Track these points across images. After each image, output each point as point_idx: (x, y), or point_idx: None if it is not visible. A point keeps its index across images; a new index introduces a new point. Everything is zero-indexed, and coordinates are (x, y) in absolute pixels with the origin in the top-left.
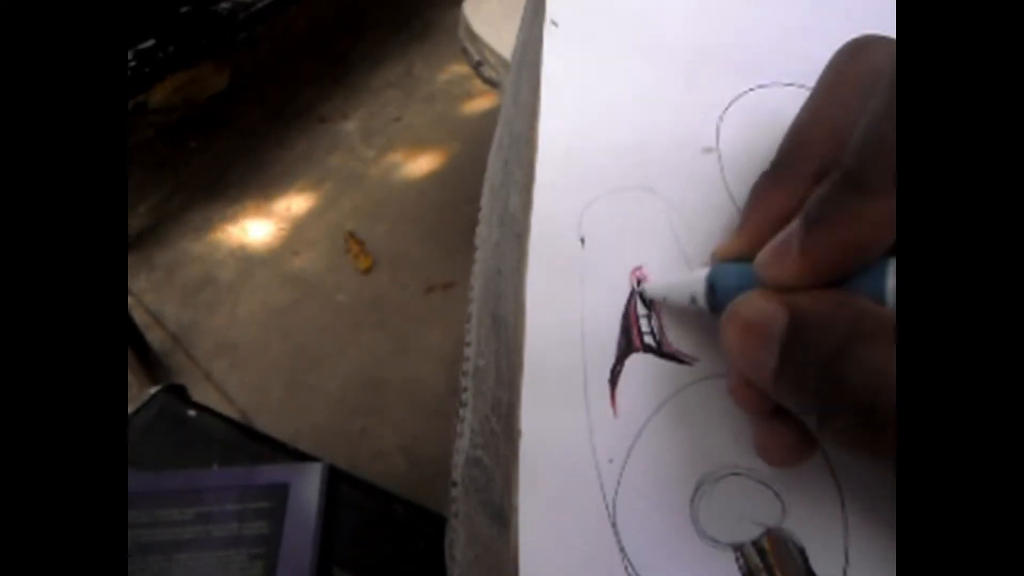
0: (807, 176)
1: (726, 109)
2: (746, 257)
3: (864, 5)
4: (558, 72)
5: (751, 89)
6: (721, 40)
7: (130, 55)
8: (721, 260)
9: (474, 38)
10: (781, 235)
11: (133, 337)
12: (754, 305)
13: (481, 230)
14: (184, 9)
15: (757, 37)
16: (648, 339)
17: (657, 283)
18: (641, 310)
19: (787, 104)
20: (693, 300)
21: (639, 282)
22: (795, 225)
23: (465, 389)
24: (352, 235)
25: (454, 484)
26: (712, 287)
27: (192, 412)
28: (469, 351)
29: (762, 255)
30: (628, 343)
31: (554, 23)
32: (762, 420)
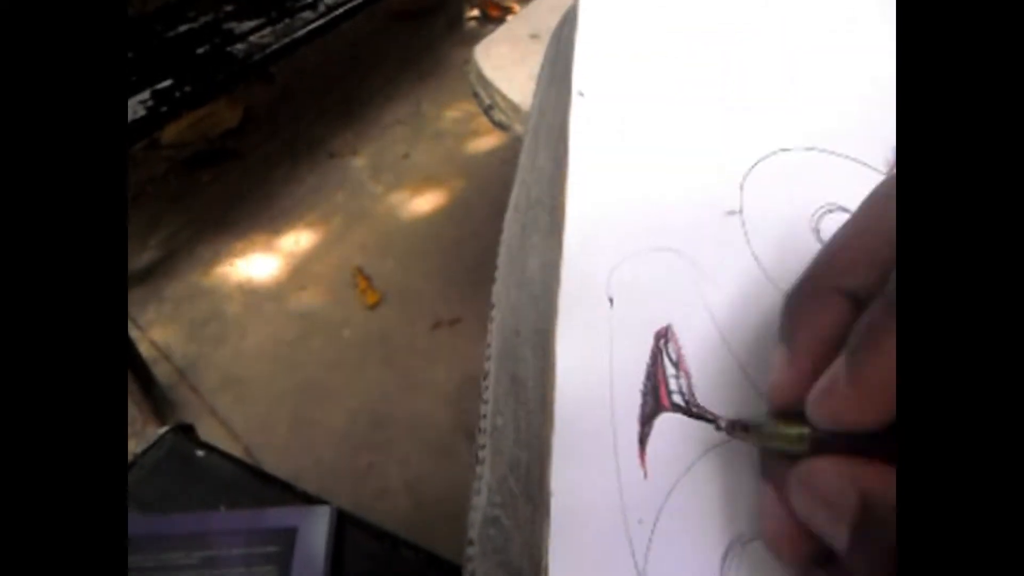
0: (843, 292)
1: (748, 173)
2: (803, 387)
3: (880, 77)
4: (585, 139)
5: (772, 154)
6: (743, 107)
7: (147, 94)
8: (782, 401)
9: (485, 83)
10: (827, 373)
11: (138, 370)
12: (826, 479)
13: (498, 289)
14: (201, 50)
15: (779, 105)
16: (676, 398)
17: (736, 423)
18: (670, 370)
19: (806, 167)
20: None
21: (665, 341)
22: (840, 360)
23: (482, 447)
24: (359, 270)
25: (470, 543)
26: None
27: (200, 452)
28: (486, 409)
29: (812, 397)
30: (656, 403)
31: (581, 93)
32: (802, 571)
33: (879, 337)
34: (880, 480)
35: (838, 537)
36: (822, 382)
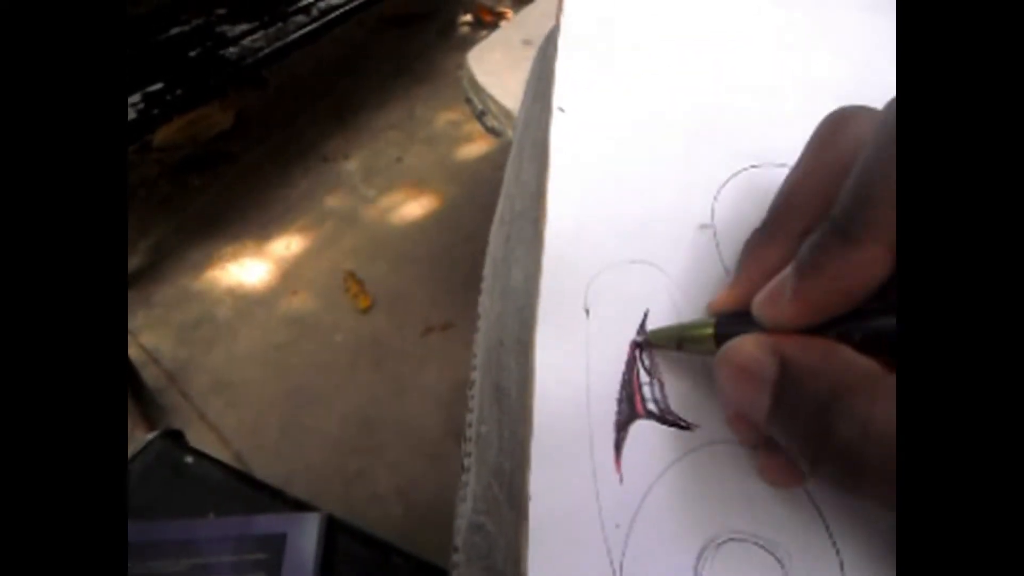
0: (796, 234)
1: (721, 188)
2: (739, 307)
3: (850, 94)
4: (565, 155)
5: (744, 169)
6: (718, 124)
7: (139, 97)
8: (718, 310)
9: (478, 88)
10: (775, 280)
11: (128, 374)
12: (747, 351)
13: (483, 300)
14: (193, 53)
15: (752, 122)
16: (651, 406)
17: (653, 328)
18: (644, 377)
19: (777, 183)
20: (679, 346)
21: (640, 350)
22: (788, 271)
23: (468, 455)
24: (351, 275)
25: (456, 549)
26: (718, 335)
27: (189, 458)
28: (472, 417)
29: (758, 299)
30: (631, 410)
31: (561, 109)
32: (759, 446)
33: (823, 257)
34: (797, 347)
35: (760, 405)
36: (770, 286)
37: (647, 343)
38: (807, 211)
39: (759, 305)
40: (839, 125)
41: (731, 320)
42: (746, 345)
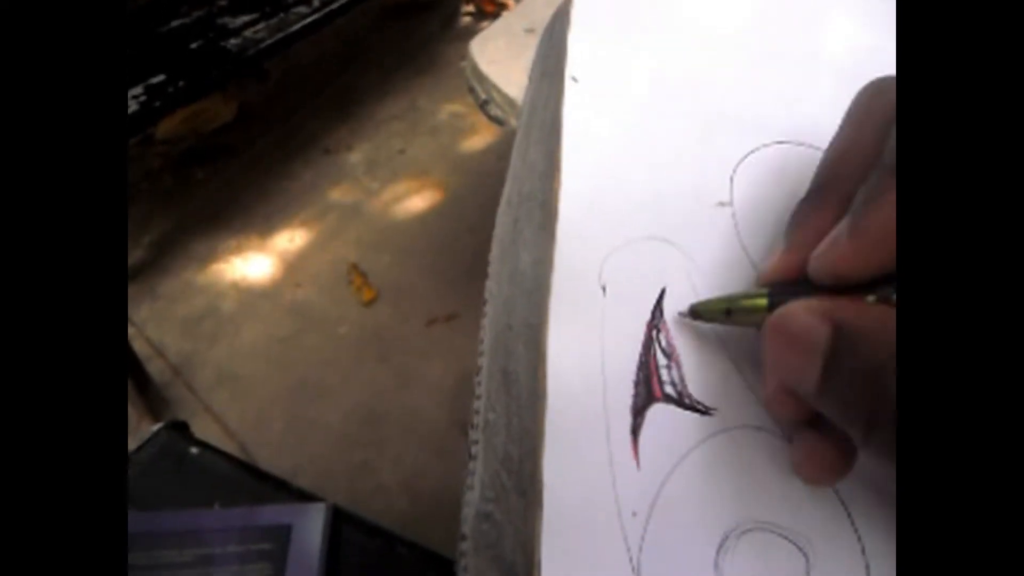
0: (845, 198)
1: (738, 165)
2: (792, 275)
3: (863, 71)
4: (579, 126)
5: (763, 146)
6: (735, 100)
7: (140, 89)
8: (770, 279)
9: (481, 77)
10: (831, 234)
11: (133, 368)
12: (798, 318)
13: (490, 285)
14: (195, 45)
15: (768, 98)
16: (669, 389)
17: (698, 301)
18: (661, 360)
19: (795, 161)
20: (728, 314)
21: (657, 332)
22: (844, 221)
23: (475, 442)
24: (355, 267)
25: (463, 538)
26: (772, 304)
27: (194, 449)
28: (479, 404)
29: (816, 252)
30: (648, 393)
31: (574, 79)
32: (797, 433)
33: (878, 196)
34: (851, 311)
35: (809, 375)
36: (826, 241)
37: (693, 314)
38: (854, 177)
39: (816, 259)
40: (877, 95)
41: (785, 289)
42: (797, 310)
